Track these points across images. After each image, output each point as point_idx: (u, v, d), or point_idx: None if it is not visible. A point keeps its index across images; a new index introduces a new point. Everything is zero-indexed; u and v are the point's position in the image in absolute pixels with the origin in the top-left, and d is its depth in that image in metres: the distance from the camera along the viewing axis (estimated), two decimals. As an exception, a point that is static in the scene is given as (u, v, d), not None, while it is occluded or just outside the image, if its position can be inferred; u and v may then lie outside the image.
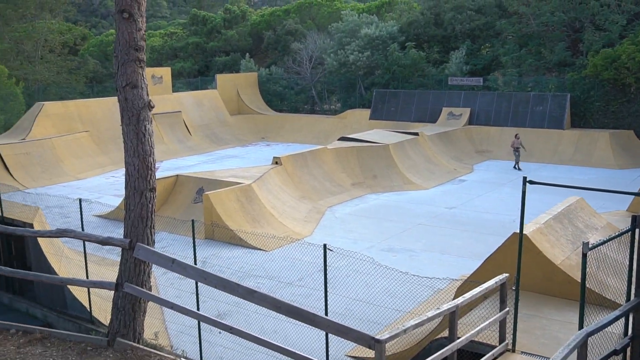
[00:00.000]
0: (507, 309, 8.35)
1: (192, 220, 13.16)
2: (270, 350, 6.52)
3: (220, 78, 45.93)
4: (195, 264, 11.25)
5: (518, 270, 8.54)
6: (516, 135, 30.75)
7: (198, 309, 11.33)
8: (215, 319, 6.98)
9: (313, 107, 48.05)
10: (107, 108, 35.76)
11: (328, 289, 11.03)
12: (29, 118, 33.81)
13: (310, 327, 6.17)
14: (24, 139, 31.58)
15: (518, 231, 8.77)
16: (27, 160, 30.41)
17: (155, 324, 12.77)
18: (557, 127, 33.78)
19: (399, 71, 41.82)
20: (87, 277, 13.87)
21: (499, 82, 38.13)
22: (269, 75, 48.76)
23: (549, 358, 6.45)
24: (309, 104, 48.33)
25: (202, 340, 11.94)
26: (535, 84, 36.99)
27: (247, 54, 51.63)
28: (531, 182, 7.84)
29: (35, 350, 7.02)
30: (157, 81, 39.07)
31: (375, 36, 42.94)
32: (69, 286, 14.15)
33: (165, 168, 31.11)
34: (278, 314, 6.30)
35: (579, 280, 7.23)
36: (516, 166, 30.39)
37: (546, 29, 37.82)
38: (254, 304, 6.38)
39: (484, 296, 8.87)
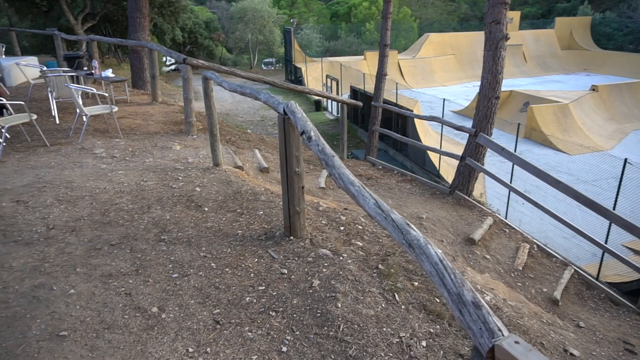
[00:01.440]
0: None
1: (518, 124, 12.06)
2: (558, 225, 5.84)
3: (558, 20, 38.86)
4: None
5: None
6: None
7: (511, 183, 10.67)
8: (524, 192, 6.47)
9: (637, 47, 37.54)
10: (468, 40, 33.95)
11: (619, 195, 9.14)
12: (419, 43, 34.31)
13: (596, 217, 5.25)
14: (414, 57, 32.40)
15: None
16: (415, 70, 31.35)
17: (479, 188, 12.57)
18: None
19: None
20: (440, 148, 14.13)
21: None
22: (602, 19, 39.35)
23: None
24: (634, 44, 37.87)
25: (509, 206, 11.38)
26: None
27: (586, 0, 42.21)
28: None
29: (406, 185, 7.56)
30: (509, 21, 34.95)
31: None
32: (428, 152, 14.72)
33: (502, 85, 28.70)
34: (568, 202, 5.50)
35: None
36: None
37: None
38: (551, 189, 5.65)
39: None
